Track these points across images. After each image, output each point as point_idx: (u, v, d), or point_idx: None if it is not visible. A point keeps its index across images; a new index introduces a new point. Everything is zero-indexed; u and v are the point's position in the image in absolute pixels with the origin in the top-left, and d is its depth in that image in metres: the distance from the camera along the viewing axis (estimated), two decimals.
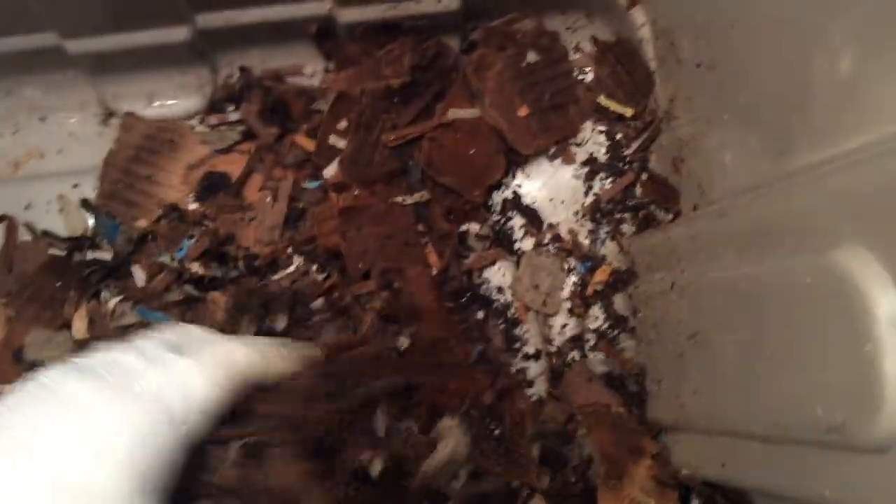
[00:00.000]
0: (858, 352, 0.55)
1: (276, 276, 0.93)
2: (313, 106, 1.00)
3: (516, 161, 1.07)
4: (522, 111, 1.04)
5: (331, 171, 0.96)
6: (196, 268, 0.94)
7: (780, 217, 0.67)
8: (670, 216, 1.00)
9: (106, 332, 0.96)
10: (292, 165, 0.98)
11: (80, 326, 0.96)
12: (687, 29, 0.90)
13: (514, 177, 1.08)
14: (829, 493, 0.63)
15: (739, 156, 0.82)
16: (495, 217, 1.07)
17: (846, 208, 0.58)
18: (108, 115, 1.09)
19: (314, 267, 0.95)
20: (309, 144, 0.98)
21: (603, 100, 1.08)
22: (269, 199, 0.98)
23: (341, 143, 0.95)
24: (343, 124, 0.96)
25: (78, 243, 1.02)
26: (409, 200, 0.97)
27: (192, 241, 0.96)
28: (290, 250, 0.97)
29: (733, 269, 0.75)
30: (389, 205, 0.95)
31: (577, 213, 1.09)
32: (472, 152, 1.01)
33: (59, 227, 1.05)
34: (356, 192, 0.95)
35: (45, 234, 1.03)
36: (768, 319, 0.68)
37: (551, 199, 1.09)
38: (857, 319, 0.55)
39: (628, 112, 1.06)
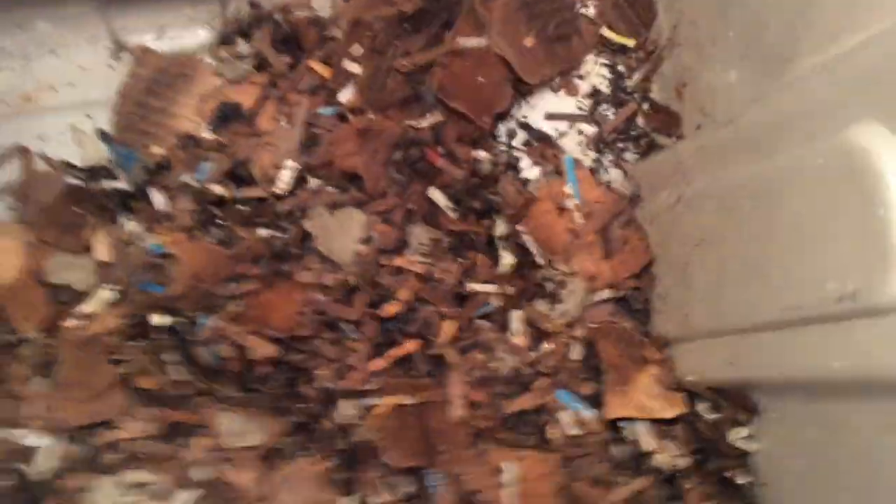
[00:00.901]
0: (871, 219, 0.59)
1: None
2: (325, 33, 1.02)
3: (521, 91, 1.10)
4: (528, 41, 1.07)
5: (346, 95, 0.98)
6: (217, 189, 0.96)
7: (790, 111, 0.71)
8: (672, 140, 1.04)
9: (127, 256, 0.98)
10: (307, 91, 1.00)
11: (101, 249, 0.98)
12: None
13: (520, 107, 1.11)
14: (837, 365, 0.67)
15: (745, 71, 0.86)
16: (501, 148, 1.10)
17: (856, 88, 0.62)
18: (119, 48, 1.11)
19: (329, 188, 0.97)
20: (324, 70, 1.00)
21: (605, 31, 1.11)
22: (284, 124, 1.00)
23: (355, 68, 0.98)
24: (357, 50, 0.99)
25: (94, 173, 1.04)
26: (424, 123, 1.00)
27: (211, 164, 0.98)
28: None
29: (742, 171, 0.79)
30: (405, 127, 0.98)
31: (580, 143, 1.12)
32: (480, 80, 1.04)
33: (74, 158, 1.06)
34: (371, 116, 0.97)
35: (62, 163, 1.05)
36: (778, 210, 0.72)
37: (556, 130, 1.12)
38: (869, 187, 0.59)
39: (630, 43, 1.10)
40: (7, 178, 1.05)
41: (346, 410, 0.82)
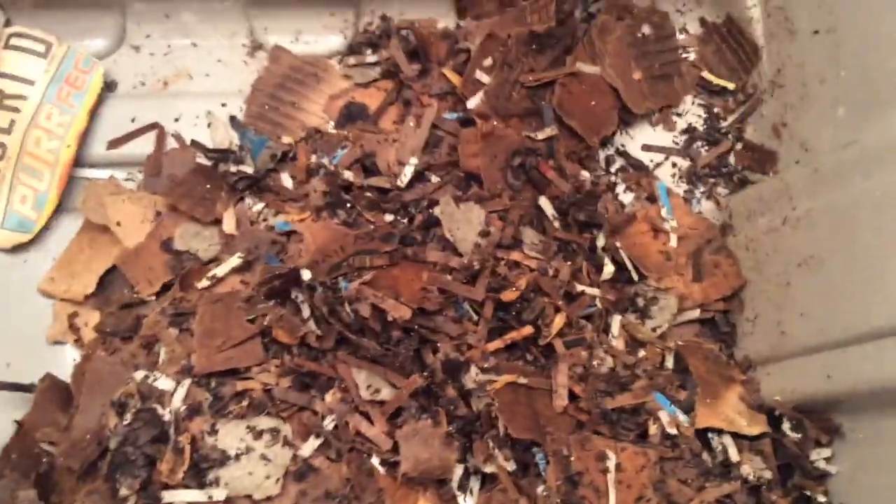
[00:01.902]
0: None
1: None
2: (457, 46, 1.10)
3: (624, 120, 1.18)
4: (636, 75, 1.16)
5: (474, 101, 1.06)
6: (348, 174, 1.03)
7: None
8: (768, 177, 1.11)
9: (250, 231, 1.04)
10: (437, 95, 1.08)
11: (229, 222, 1.04)
12: (805, 2, 1.02)
13: (619, 136, 1.19)
14: None
15: (855, 104, 0.94)
16: (600, 172, 1.17)
17: None
18: (256, 47, 1.19)
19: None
20: (455, 78, 1.08)
21: (707, 74, 1.19)
22: (411, 125, 1.07)
23: (485, 78, 1.06)
24: (488, 62, 1.07)
25: (223, 155, 1.11)
26: (540, 136, 1.07)
27: (345, 150, 1.05)
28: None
29: (859, 189, 0.86)
30: (523, 137, 1.05)
31: (673, 175, 1.19)
32: (593, 103, 1.12)
33: (204, 140, 1.13)
34: (495, 123, 1.05)
35: (194, 143, 1.12)
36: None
37: (650, 161, 1.20)
38: None
39: (730, 86, 1.19)
40: (140, 152, 1.11)
41: (470, 379, 0.86)
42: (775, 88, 1.11)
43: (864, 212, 0.85)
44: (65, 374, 0.99)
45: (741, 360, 1.06)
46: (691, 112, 1.21)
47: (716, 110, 1.21)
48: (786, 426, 1.00)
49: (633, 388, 0.98)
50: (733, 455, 0.98)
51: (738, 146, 1.18)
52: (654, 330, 1.06)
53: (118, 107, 1.13)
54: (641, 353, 1.03)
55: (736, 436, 1.00)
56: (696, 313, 1.09)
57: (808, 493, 0.98)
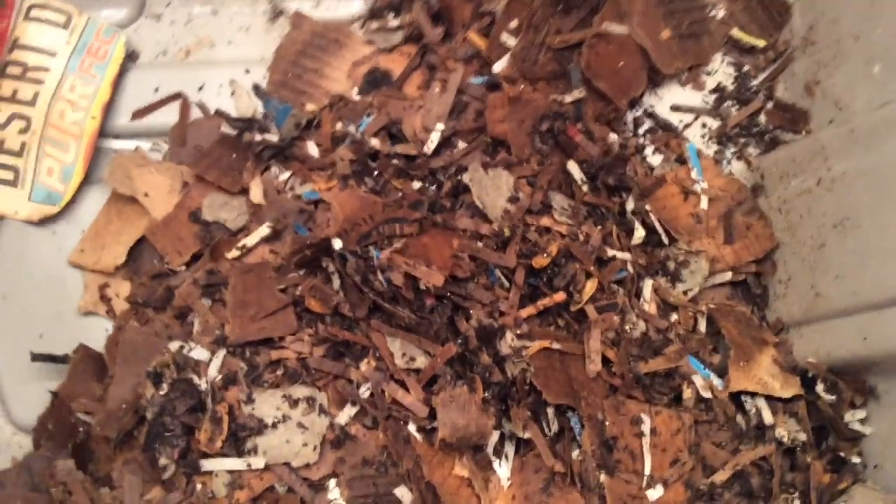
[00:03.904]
0: None
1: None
2: (482, 8, 1.08)
3: (652, 81, 1.16)
4: (665, 34, 1.14)
5: (500, 65, 1.04)
6: (374, 142, 1.02)
7: None
8: (800, 136, 1.09)
9: (278, 200, 1.03)
10: (462, 59, 1.06)
11: (256, 192, 1.03)
12: None
13: (648, 97, 1.17)
14: None
15: (891, 64, 0.92)
16: (628, 134, 1.16)
17: None
18: (277, 13, 1.18)
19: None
20: (480, 41, 1.06)
21: (736, 32, 1.17)
22: (437, 90, 1.06)
23: (511, 41, 1.04)
24: (514, 24, 1.05)
25: (248, 124, 1.10)
26: (568, 99, 1.05)
27: (370, 117, 1.03)
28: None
29: None
30: (550, 101, 1.04)
31: (703, 136, 1.17)
32: (621, 64, 1.10)
33: (228, 109, 1.12)
34: (522, 87, 1.03)
35: (218, 112, 1.11)
36: None
37: (680, 121, 1.18)
38: None
39: (760, 43, 1.16)
40: (164, 122, 1.11)
41: (506, 345, 0.86)
42: (807, 45, 1.09)
43: None
44: (97, 344, 1.00)
45: (773, 322, 1.06)
46: (721, 71, 1.19)
47: (746, 69, 1.18)
48: (819, 388, 0.99)
49: (665, 352, 0.97)
50: (767, 418, 0.97)
51: (769, 105, 1.16)
52: (685, 293, 1.05)
53: (141, 77, 1.12)
54: (674, 317, 1.02)
55: (769, 398, 0.99)
56: (727, 276, 1.08)
57: (843, 454, 0.97)
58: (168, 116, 1.11)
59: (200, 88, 1.13)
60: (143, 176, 1.05)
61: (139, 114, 1.11)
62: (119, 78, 1.10)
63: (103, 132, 1.09)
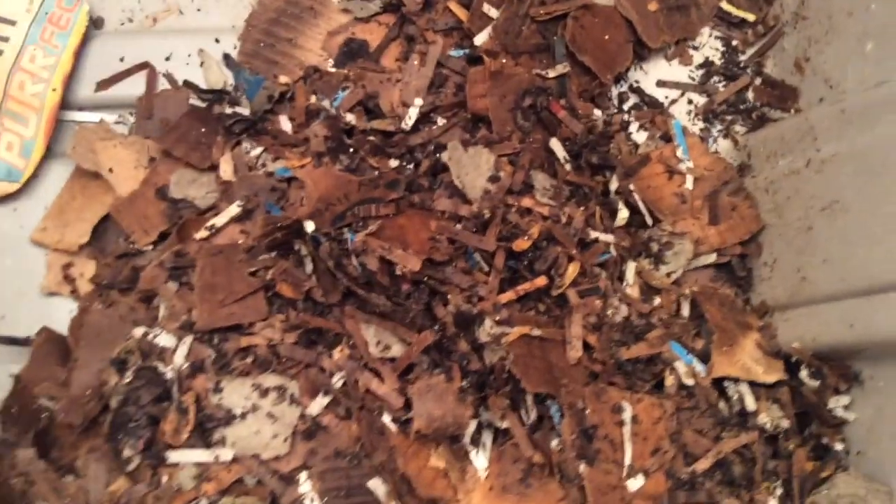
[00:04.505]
0: None
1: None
2: None
3: (638, 55, 1.12)
4: (652, 6, 1.10)
5: (482, 37, 1.00)
6: (350, 117, 0.98)
7: None
8: (788, 114, 1.06)
9: (248, 178, 0.99)
10: (442, 31, 1.02)
11: (226, 169, 0.99)
12: None
13: (633, 72, 1.13)
14: None
15: (885, 40, 0.88)
16: (613, 110, 1.12)
17: None
18: None
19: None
20: (461, 12, 1.02)
21: (725, 5, 1.13)
22: (415, 63, 1.02)
23: (493, 13, 1.00)
24: None
25: (218, 96, 1.05)
26: (551, 73, 1.01)
27: (346, 91, 0.99)
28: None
29: (893, 130, 0.81)
30: (533, 75, 1.00)
31: (689, 112, 1.14)
32: (606, 38, 1.06)
33: (197, 80, 1.07)
34: (504, 61, 0.99)
35: (187, 84, 1.06)
36: None
37: (665, 97, 1.15)
38: None
39: (750, 17, 1.12)
40: (130, 93, 1.06)
41: (484, 332, 0.83)
42: (798, 20, 1.05)
43: (893, 156, 0.81)
44: (60, 326, 0.96)
45: (758, 305, 1.04)
46: (709, 45, 1.16)
47: (734, 43, 1.15)
48: (803, 373, 0.98)
49: (648, 337, 0.95)
50: (750, 404, 0.96)
51: (758, 81, 1.13)
52: (668, 275, 1.02)
53: (105, 45, 1.07)
54: (657, 300, 0.99)
55: (753, 384, 0.97)
56: (712, 258, 1.05)
57: (826, 441, 0.96)
58: (134, 88, 1.06)
59: (168, 58, 1.08)
60: (108, 150, 1.00)
61: (103, 85, 1.06)
62: (82, 47, 1.05)
63: (66, 104, 1.04)
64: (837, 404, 0.96)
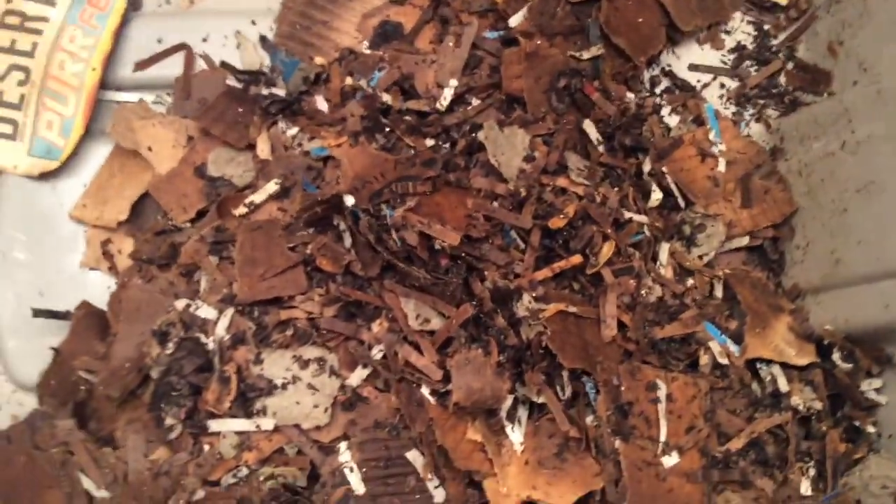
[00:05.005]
0: None
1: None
2: None
3: (671, 39, 1.12)
4: None
5: (517, 19, 1.01)
6: (386, 97, 0.99)
7: None
8: (821, 98, 1.06)
9: (285, 157, 1.00)
10: (477, 12, 1.03)
11: (263, 148, 1.00)
12: None
13: (666, 56, 1.14)
14: None
15: None
16: (645, 94, 1.13)
17: None
18: None
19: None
20: None
21: None
22: (450, 44, 1.02)
23: None
24: None
25: (254, 77, 1.06)
26: (586, 55, 1.02)
27: (382, 72, 1.00)
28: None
29: None
30: (568, 57, 1.00)
31: (721, 96, 1.14)
32: (640, 20, 1.07)
33: (234, 61, 1.08)
34: (538, 42, 1.00)
35: (224, 65, 1.07)
36: None
37: (697, 81, 1.15)
38: None
39: (783, 1, 1.12)
40: (168, 74, 1.07)
41: (522, 307, 0.84)
42: (832, 4, 1.06)
43: None
44: (99, 301, 0.98)
45: (789, 288, 1.04)
46: (740, 29, 1.16)
47: (766, 27, 1.15)
48: (836, 356, 0.98)
49: (682, 317, 0.95)
50: (783, 385, 0.96)
51: (790, 66, 1.13)
52: (700, 257, 1.03)
53: (143, 27, 1.08)
54: (690, 281, 1.00)
55: (785, 366, 0.98)
56: (744, 240, 1.05)
57: (858, 423, 0.96)
58: (172, 68, 1.08)
59: (205, 40, 1.09)
60: (147, 129, 1.01)
61: (142, 65, 1.07)
62: (121, 28, 1.06)
63: (105, 84, 1.05)
64: (869, 387, 0.96)
